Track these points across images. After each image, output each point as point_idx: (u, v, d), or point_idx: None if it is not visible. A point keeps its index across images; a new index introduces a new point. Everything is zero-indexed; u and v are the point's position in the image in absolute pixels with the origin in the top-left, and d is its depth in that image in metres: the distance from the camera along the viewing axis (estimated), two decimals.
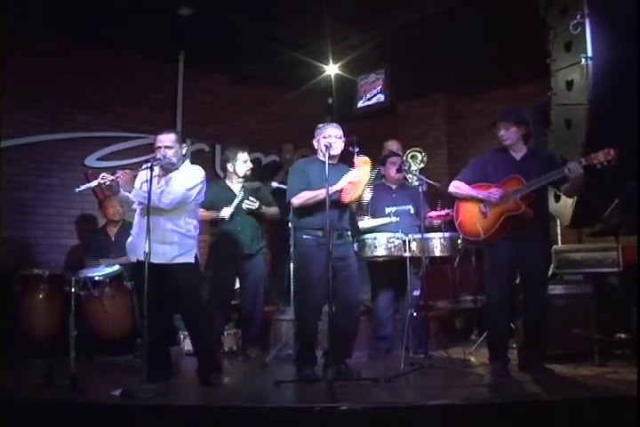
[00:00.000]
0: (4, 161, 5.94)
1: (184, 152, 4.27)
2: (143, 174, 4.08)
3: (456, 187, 4.48)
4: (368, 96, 7.84)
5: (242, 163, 5.38)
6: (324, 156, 4.14)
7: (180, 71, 7.02)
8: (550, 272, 4.90)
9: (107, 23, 5.90)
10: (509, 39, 5.95)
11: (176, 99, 7.03)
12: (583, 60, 4.26)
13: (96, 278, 5.16)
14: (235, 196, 5.31)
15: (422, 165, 6.23)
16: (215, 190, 5.23)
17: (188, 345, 5.27)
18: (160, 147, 4.14)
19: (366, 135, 7.49)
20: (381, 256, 4.94)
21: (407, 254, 4.83)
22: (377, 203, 5.21)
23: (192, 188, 4.09)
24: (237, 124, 7.45)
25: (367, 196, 4.99)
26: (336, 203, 4.20)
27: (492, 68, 6.49)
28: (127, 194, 4.04)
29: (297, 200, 4.27)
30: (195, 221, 4.22)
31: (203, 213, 4.95)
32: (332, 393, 3.67)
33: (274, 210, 5.51)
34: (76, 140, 6.41)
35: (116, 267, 5.28)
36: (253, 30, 6.23)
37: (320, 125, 4.40)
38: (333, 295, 3.97)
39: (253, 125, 7.58)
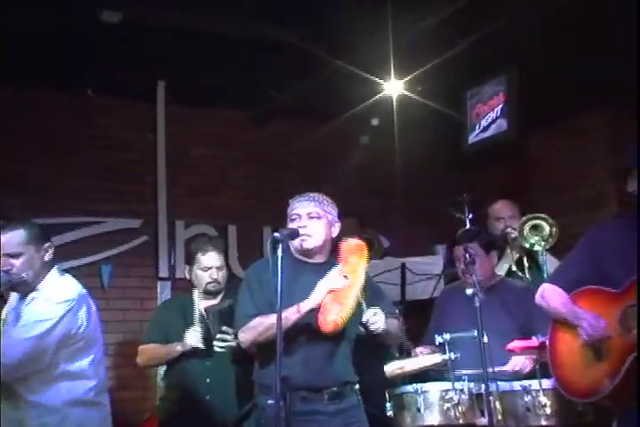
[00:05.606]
0: None
1: (46, 257, 3.79)
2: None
3: (542, 296, 3.63)
4: (482, 124, 7.00)
5: (199, 270, 4.64)
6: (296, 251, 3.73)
7: (161, 111, 6.53)
8: None
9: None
10: None
11: (156, 156, 6.53)
12: None
13: None
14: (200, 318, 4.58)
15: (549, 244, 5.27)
16: (175, 309, 4.76)
17: None
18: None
19: (484, 189, 6.73)
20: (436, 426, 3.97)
21: (483, 421, 3.83)
22: (437, 322, 4.50)
23: (43, 334, 3.53)
24: (266, 186, 6.81)
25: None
26: (317, 333, 3.52)
27: None
28: None
29: (245, 335, 3.68)
30: (90, 382, 3.70)
31: (152, 349, 4.63)
32: None
33: None
34: None
35: None
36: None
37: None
38: None
39: (292, 188, 6.87)
